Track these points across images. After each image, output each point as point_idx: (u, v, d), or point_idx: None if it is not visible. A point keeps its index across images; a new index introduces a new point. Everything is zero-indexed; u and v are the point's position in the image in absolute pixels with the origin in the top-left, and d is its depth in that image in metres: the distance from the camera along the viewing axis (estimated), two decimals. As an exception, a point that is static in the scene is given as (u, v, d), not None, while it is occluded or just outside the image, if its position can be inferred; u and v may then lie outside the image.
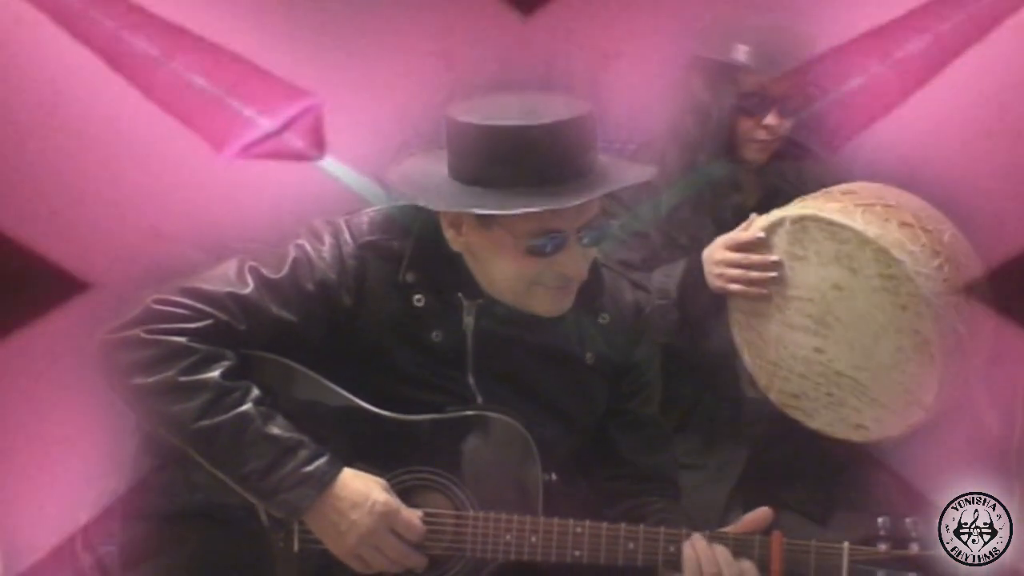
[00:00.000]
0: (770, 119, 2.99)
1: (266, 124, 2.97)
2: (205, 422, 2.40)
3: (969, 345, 2.66)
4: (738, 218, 2.94)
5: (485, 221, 2.43)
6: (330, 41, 3.13)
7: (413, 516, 2.48)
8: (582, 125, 2.43)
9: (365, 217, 2.56)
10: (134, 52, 2.89)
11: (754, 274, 2.78)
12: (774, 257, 2.76)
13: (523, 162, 2.39)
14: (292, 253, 2.50)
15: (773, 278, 2.77)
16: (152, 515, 2.53)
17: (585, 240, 2.46)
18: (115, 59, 2.88)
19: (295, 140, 2.99)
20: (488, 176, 2.40)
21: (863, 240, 2.64)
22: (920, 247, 2.62)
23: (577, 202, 2.39)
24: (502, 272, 2.48)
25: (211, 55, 2.93)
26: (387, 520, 2.45)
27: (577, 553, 2.48)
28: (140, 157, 2.97)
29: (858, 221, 2.65)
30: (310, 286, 2.48)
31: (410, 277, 2.52)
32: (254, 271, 2.48)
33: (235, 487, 2.44)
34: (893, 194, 2.74)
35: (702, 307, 2.89)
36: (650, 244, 3.02)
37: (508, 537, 2.48)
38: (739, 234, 2.81)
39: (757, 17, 3.01)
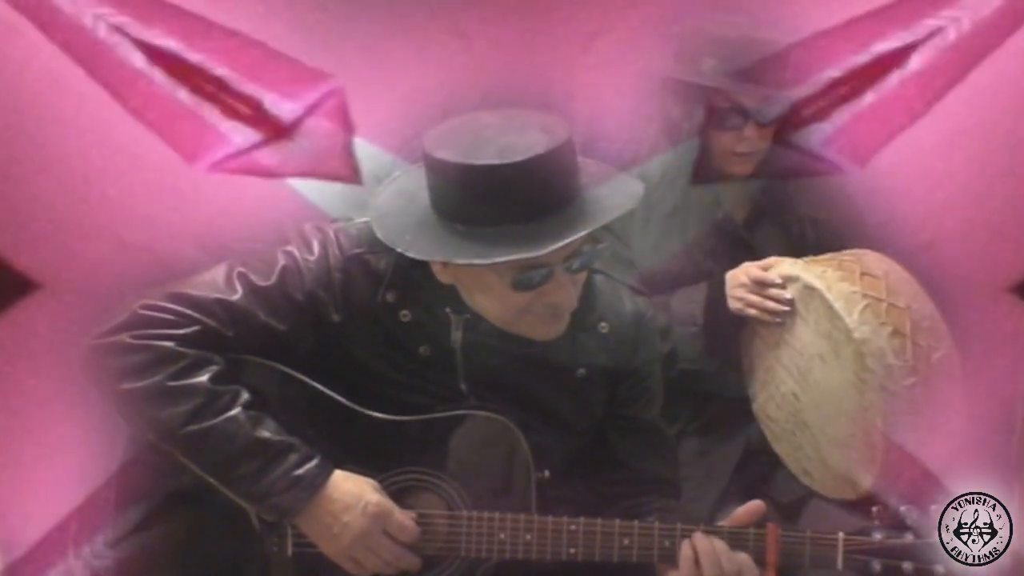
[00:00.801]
0: (748, 131, 3.00)
1: (290, 108, 2.95)
2: (194, 427, 2.38)
3: (917, 453, 2.71)
4: (726, 236, 3.04)
5: None
6: (343, 26, 3.11)
7: (406, 517, 2.46)
8: (560, 155, 2.35)
9: (354, 228, 2.53)
10: (114, 59, 2.87)
11: (770, 304, 2.84)
12: (788, 295, 2.82)
13: (501, 201, 2.33)
14: (281, 261, 2.48)
15: (786, 312, 2.83)
16: (145, 522, 2.52)
17: (574, 267, 2.41)
18: (94, 66, 2.87)
19: (323, 122, 2.97)
20: (467, 214, 2.35)
21: (850, 338, 2.69)
22: (902, 362, 2.67)
23: (558, 245, 2.32)
24: (489, 306, 2.45)
25: (231, 42, 2.92)
26: (380, 521, 2.44)
27: (572, 550, 2.46)
28: (109, 164, 2.94)
29: (854, 317, 2.69)
30: (299, 296, 2.47)
31: (390, 297, 2.49)
32: (243, 277, 2.46)
33: (226, 491, 2.42)
34: (910, 294, 2.76)
35: (726, 328, 2.94)
36: (638, 271, 3.03)
37: (502, 536, 2.47)
38: (761, 271, 2.87)
39: (726, 28, 2.99)
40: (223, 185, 2.95)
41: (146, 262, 2.91)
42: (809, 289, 2.78)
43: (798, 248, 2.97)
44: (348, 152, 3.01)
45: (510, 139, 2.34)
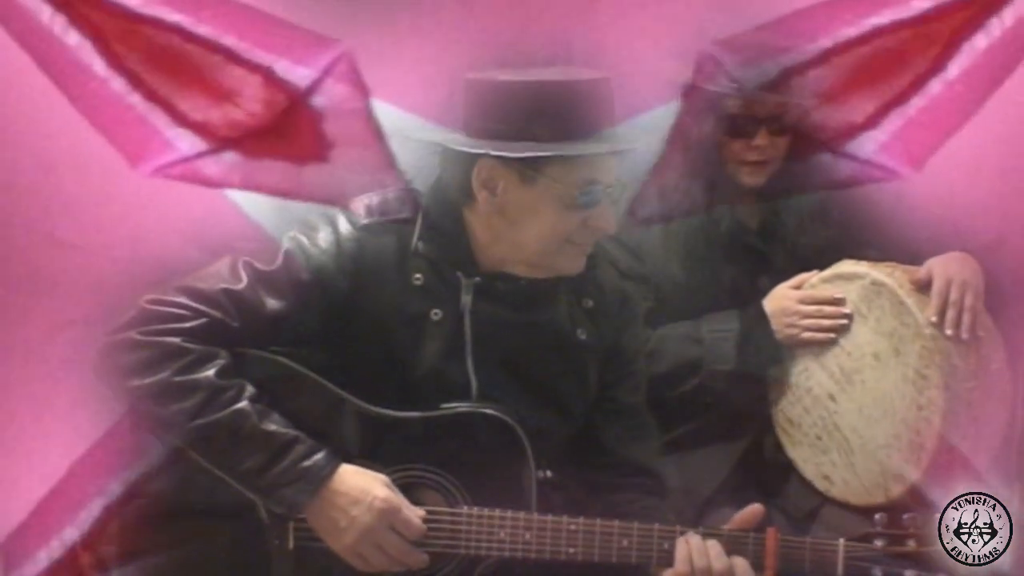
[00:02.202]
0: (759, 139, 3.00)
1: (304, 73, 2.97)
2: (201, 421, 2.42)
3: (963, 460, 2.77)
4: (740, 246, 3.04)
5: (529, 177, 2.47)
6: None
7: (413, 514, 2.48)
8: (610, 86, 2.52)
9: (361, 204, 2.59)
10: (70, 58, 2.90)
11: (826, 322, 2.90)
12: (847, 310, 2.88)
13: (571, 114, 2.46)
14: (285, 245, 2.54)
15: (843, 325, 2.89)
16: (149, 514, 2.56)
17: (615, 194, 2.53)
18: (46, 61, 2.89)
19: (338, 86, 3.00)
20: (533, 131, 2.45)
21: (919, 333, 2.79)
22: (965, 364, 2.77)
23: (641, 143, 2.59)
24: (538, 229, 2.51)
25: (238, 12, 2.93)
26: (387, 517, 2.45)
27: (571, 550, 2.48)
28: (47, 160, 2.94)
29: (926, 313, 2.80)
30: (304, 275, 2.51)
31: (421, 246, 2.55)
32: (248, 266, 2.51)
33: (234, 484, 2.46)
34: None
35: (760, 363, 2.98)
36: (652, 288, 3.03)
37: (502, 534, 2.48)
38: (809, 292, 2.93)
39: (747, 36, 2.99)
40: (163, 192, 2.97)
41: (78, 261, 2.93)
42: (877, 286, 2.85)
43: (812, 258, 3.01)
44: (368, 114, 3.03)
45: (567, 69, 2.56)
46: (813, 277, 2.96)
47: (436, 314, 2.55)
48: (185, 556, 2.54)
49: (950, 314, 2.78)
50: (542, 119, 2.46)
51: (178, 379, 2.43)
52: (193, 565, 2.54)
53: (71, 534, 2.75)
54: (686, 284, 3.03)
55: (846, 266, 2.93)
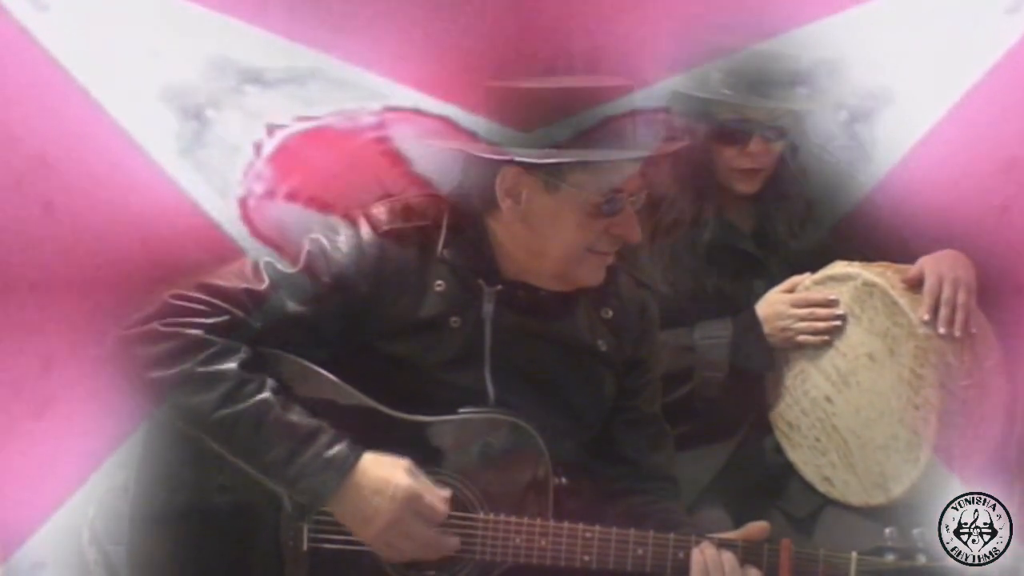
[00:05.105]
0: (753, 146, 2.99)
1: None
2: (225, 411, 2.42)
3: (962, 458, 2.79)
4: (733, 250, 3.04)
5: (552, 185, 2.47)
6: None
7: (436, 498, 2.47)
8: (633, 93, 2.53)
9: (383, 208, 2.58)
10: None
11: (820, 324, 2.91)
12: (840, 311, 2.89)
13: (599, 119, 2.45)
14: (307, 247, 2.53)
15: (836, 327, 2.90)
16: (160, 515, 2.53)
17: (637, 202, 2.52)
18: None
19: None
20: (555, 139, 2.45)
21: (912, 333, 2.80)
22: (960, 362, 2.78)
23: (673, 148, 2.65)
24: (561, 238, 2.51)
25: None
26: (410, 505, 2.45)
27: (586, 558, 2.48)
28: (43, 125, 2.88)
29: (918, 313, 2.80)
30: (326, 279, 2.50)
31: (447, 253, 2.55)
32: (270, 267, 2.51)
33: (258, 476, 2.45)
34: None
35: (756, 364, 2.99)
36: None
37: (518, 540, 2.49)
38: (803, 295, 2.93)
39: (737, 41, 2.97)
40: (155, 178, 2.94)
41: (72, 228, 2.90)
42: (869, 286, 2.87)
43: (805, 261, 3.02)
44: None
45: (589, 76, 2.60)
46: (805, 279, 2.97)
47: (455, 321, 2.55)
48: (198, 556, 2.51)
49: (943, 312, 2.80)
50: (565, 127, 2.45)
51: (202, 370, 2.42)
52: (206, 565, 2.51)
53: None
54: (676, 291, 3.02)
55: (838, 267, 2.95)
